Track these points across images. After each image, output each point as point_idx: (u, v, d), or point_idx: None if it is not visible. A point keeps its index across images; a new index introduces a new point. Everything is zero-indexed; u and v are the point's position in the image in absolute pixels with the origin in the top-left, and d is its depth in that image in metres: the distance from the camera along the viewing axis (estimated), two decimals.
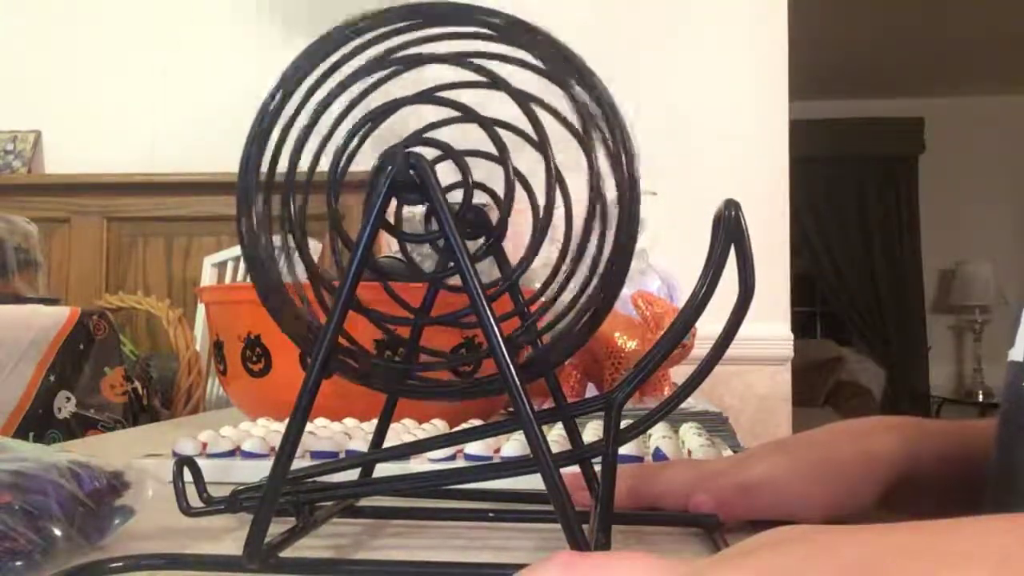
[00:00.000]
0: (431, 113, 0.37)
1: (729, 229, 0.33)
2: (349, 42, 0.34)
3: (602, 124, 0.33)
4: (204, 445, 0.58)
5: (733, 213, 0.33)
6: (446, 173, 0.36)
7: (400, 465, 0.54)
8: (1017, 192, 4.99)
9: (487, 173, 0.37)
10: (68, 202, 2.36)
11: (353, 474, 0.44)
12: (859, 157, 5.11)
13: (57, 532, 0.36)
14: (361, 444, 0.56)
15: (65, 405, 1.27)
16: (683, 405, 0.62)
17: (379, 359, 0.39)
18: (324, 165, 0.37)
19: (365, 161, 0.36)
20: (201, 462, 0.42)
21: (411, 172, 0.34)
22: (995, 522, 0.22)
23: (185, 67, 2.50)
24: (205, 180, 2.25)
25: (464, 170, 0.36)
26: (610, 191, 0.34)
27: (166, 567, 0.35)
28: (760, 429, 2.04)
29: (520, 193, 0.37)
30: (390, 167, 0.34)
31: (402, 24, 0.34)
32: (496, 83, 0.34)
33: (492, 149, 0.36)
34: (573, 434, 0.42)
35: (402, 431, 0.63)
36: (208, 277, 2.12)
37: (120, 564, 0.35)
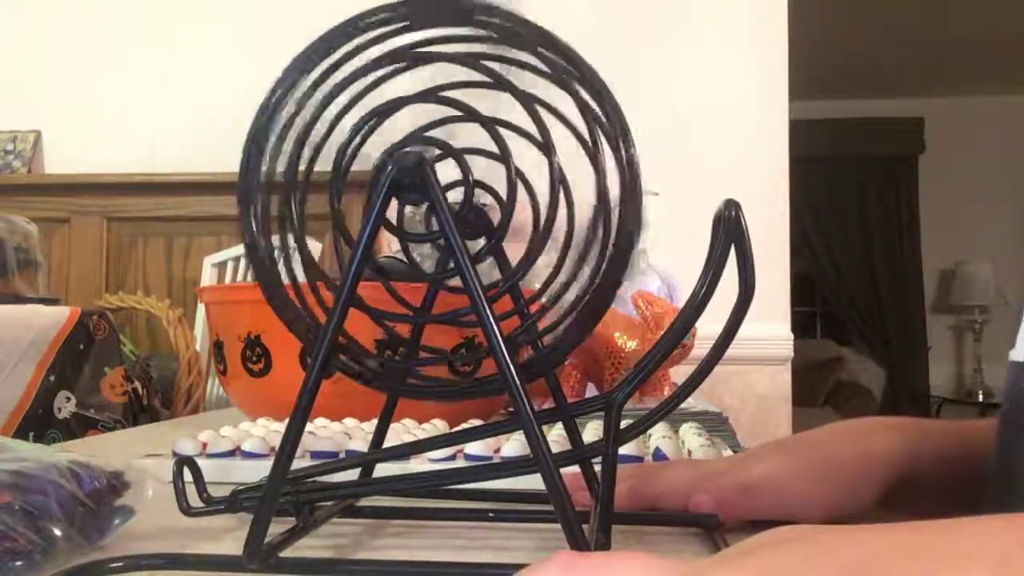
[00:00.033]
0: (433, 113, 0.37)
1: (729, 229, 0.33)
2: (350, 41, 0.34)
3: (606, 126, 0.33)
4: (204, 445, 0.57)
5: (733, 213, 0.33)
6: (446, 173, 0.36)
7: (400, 465, 0.54)
8: (1017, 192, 5.00)
9: (483, 173, 0.37)
10: (68, 202, 2.36)
11: (353, 474, 0.44)
12: (859, 157, 5.11)
13: (57, 532, 0.36)
14: (361, 444, 0.56)
15: (65, 405, 1.27)
16: (683, 405, 0.62)
17: (380, 358, 0.39)
18: (324, 165, 0.37)
19: (367, 161, 0.36)
20: (201, 462, 0.42)
21: (411, 171, 0.34)
22: (995, 522, 0.22)
23: (185, 67, 2.50)
24: (205, 180, 2.25)
25: (465, 169, 0.36)
26: (613, 191, 0.33)
27: (166, 567, 0.35)
28: (760, 429, 2.04)
29: (521, 193, 0.37)
30: (390, 166, 0.34)
31: (403, 23, 0.34)
32: (501, 84, 0.34)
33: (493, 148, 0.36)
34: (573, 434, 0.42)
35: (402, 431, 0.63)
36: (208, 277, 2.12)
37: (120, 564, 0.35)
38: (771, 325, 2.08)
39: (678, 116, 2.13)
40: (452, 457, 0.56)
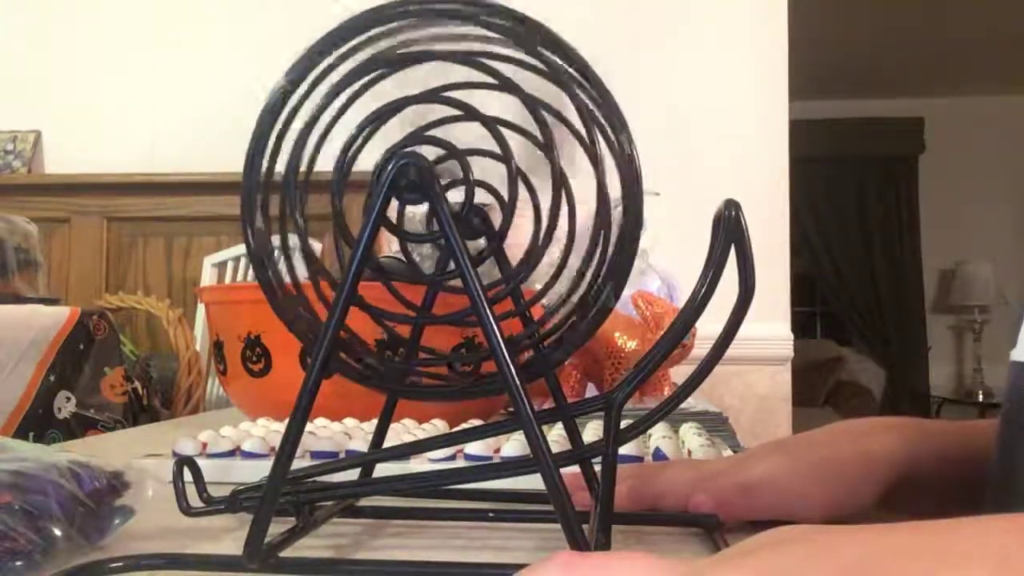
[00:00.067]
0: (436, 112, 0.37)
1: (729, 229, 0.33)
2: (352, 40, 0.34)
3: (607, 127, 0.33)
4: (204, 445, 0.58)
5: (733, 213, 0.33)
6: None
7: (400, 465, 0.54)
8: (1017, 192, 5.00)
9: (481, 172, 0.37)
10: (68, 202, 2.36)
11: (353, 474, 0.44)
12: (859, 157, 5.11)
13: (57, 532, 0.36)
14: (361, 444, 0.56)
15: (65, 405, 1.27)
16: (683, 405, 0.62)
17: (380, 358, 0.39)
18: (324, 165, 0.37)
19: (369, 160, 0.36)
20: (201, 462, 0.42)
21: (412, 171, 0.34)
22: (995, 522, 0.22)
23: (185, 67, 2.50)
24: (205, 180, 2.24)
25: (466, 170, 0.36)
26: (614, 192, 0.33)
27: (166, 567, 0.35)
28: (760, 429, 2.04)
29: (521, 193, 0.37)
30: (391, 166, 0.34)
31: (405, 22, 0.34)
32: (504, 85, 0.34)
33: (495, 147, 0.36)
34: (573, 434, 0.42)
35: (402, 431, 0.63)
36: (208, 277, 2.12)
37: (120, 564, 0.35)
38: (771, 325, 2.08)
39: (678, 116, 2.13)
40: (452, 457, 0.56)
